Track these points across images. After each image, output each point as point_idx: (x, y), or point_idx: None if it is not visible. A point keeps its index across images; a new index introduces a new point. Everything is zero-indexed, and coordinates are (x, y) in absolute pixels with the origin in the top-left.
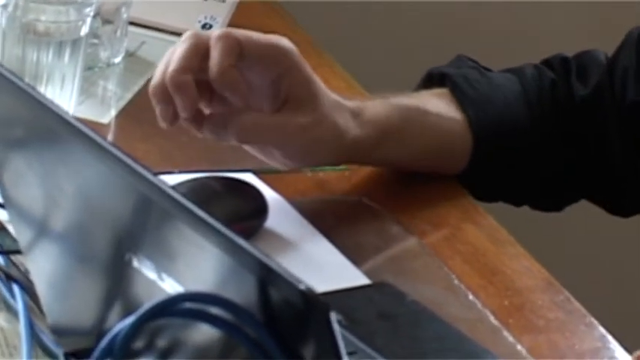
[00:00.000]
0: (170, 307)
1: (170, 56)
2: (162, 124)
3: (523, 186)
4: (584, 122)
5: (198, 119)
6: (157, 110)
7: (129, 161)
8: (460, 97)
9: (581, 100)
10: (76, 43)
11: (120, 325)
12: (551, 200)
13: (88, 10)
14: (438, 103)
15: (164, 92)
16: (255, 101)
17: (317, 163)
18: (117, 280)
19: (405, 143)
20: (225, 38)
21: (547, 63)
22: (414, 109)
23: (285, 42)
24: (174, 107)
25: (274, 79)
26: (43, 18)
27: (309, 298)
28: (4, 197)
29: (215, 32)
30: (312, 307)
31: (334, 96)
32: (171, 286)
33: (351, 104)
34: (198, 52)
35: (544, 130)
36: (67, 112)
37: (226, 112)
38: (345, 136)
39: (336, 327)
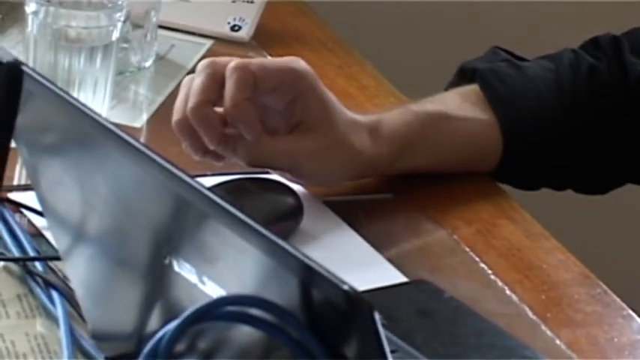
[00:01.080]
0: (213, 311)
1: (188, 88)
2: (195, 157)
3: (558, 173)
4: None
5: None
6: (185, 144)
7: (166, 164)
8: (489, 94)
9: (637, 77)
10: (107, 48)
11: (163, 329)
12: (595, 183)
13: (118, 15)
14: (462, 105)
15: (189, 127)
16: (271, 122)
17: (332, 183)
18: (157, 284)
19: (428, 152)
20: (239, 70)
21: (594, 42)
22: (435, 115)
23: (301, 64)
24: (201, 140)
25: (290, 101)
26: (74, 24)
27: (353, 298)
28: (41, 204)
29: (231, 63)
30: (355, 308)
31: (350, 115)
32: (212, 289)
33: (368, 121)
34: (216, 82)
35: (578, 117)
36: (102, 116)
37: (236, 135)
38: (360, 156)
39: (381, 327)
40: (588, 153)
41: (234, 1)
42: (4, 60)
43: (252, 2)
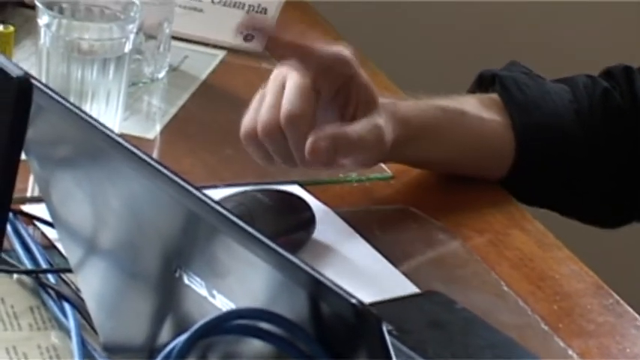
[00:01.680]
0: (223, 324)
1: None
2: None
3: (571, 195)
4: None
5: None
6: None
7: (175, 178)
8: (507, 99)
9: None
10: (120, 59)
11: (173, 342)
12: (605, 215)
13: (131, 27)
14: (478, 106)
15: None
16: (326, 118)
17: (372, 162)
18: (167, 297)
19: (440, 143)
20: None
21: (607, 72)
22: (450, 110)
23: (345, 50)
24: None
25: (340, 87)
26: (86, 36)
27: (361, 312)
28: (52, 216)
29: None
30: (364, 321)
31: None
32: (222, 303)
33: (385, 102)
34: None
35: (595, 141)
36: (112, 130)
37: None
38: (389, 139)
39: (389, 340)
40: (603, 181)
41: (247, 12)
42: (14, 74)
43: (264, 13)
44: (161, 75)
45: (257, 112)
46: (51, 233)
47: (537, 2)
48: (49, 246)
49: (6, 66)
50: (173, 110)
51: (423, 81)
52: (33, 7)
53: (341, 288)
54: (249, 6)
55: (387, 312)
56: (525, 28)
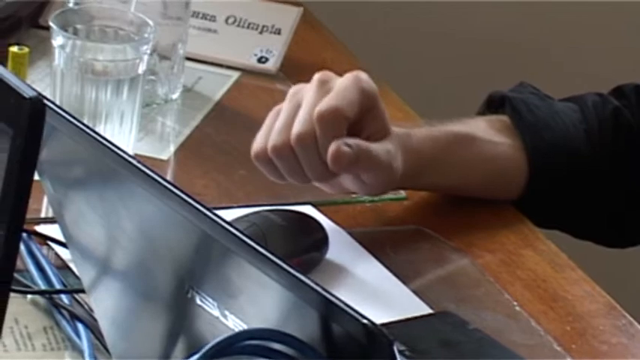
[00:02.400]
0: (234, 345)
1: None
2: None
3: (583, 216)
4: None
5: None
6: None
7: (188, 199)
8: (518, 121)
9: None
10: (133, 80)
11: None
12: (616, 235)
13: (144, 47)
14: (489, 130)
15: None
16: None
17: (384, 190)
18: (180, 318)
19: (454, 170)
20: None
21: (618, 90)
22: (461, 135)
23: (365, 77)
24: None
25: (358, 114)
26: (100, 57)
27: (372, 332)
28: (65, 237)
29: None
30: (375, 341)
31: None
32: (234, 323)
33: (400, 132)
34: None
35: (605, 161)
36: (125, 152)
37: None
38: (398, 166)
39: None
40: (614, 201)
41: (261, 33)
42: (27, 95)
43: (279, 34)
44: (175, 96)
45: (269, 130)
46: (64, 254)
47: (538, 2)
48: (62, 266)
49: (19, 87)
50: (187, 131)
51: (426, 84)
52: (47, 28)
53: (352, 308)
54: (263, 27)
55: (400, 332)
56: (525, 28)
